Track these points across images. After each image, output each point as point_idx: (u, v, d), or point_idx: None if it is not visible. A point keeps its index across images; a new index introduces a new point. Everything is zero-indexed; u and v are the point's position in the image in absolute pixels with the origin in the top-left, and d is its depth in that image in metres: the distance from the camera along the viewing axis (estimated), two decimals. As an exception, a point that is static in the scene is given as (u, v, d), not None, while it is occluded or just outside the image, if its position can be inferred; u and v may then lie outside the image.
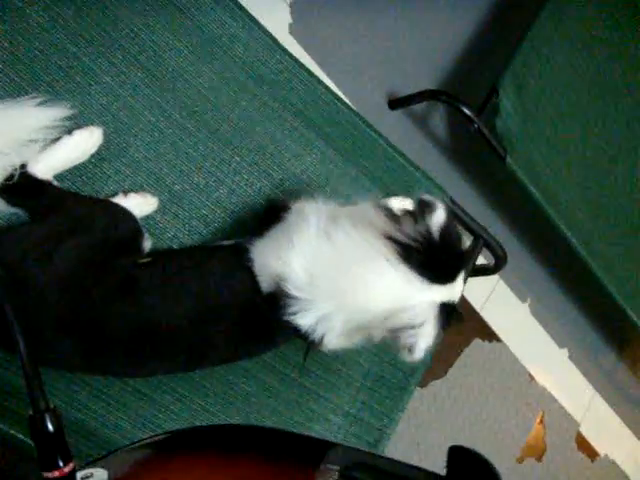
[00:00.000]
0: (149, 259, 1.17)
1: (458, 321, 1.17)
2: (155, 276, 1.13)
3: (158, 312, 1.10)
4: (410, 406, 1.62)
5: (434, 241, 1.08)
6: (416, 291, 1.08)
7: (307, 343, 1.16)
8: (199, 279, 1.15)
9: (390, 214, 1.15)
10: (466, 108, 1.93)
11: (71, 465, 0.49)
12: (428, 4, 2.34)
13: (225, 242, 1.26)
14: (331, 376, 1.45)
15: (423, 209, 1.11)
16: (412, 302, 1.08)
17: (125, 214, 1.19)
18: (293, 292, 1.09)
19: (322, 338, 1.12)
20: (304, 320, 1.10)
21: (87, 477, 0.52)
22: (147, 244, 1.23)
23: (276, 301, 1.11)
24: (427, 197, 1.14)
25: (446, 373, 2.28)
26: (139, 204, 1.26)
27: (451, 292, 1.12)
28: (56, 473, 0.49)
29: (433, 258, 1.08)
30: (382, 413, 1.52)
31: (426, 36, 2.32)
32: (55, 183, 1.16)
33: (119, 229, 1.16)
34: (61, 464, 0.49)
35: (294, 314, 1.10)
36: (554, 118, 2.22)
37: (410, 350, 1.11)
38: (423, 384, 1.73)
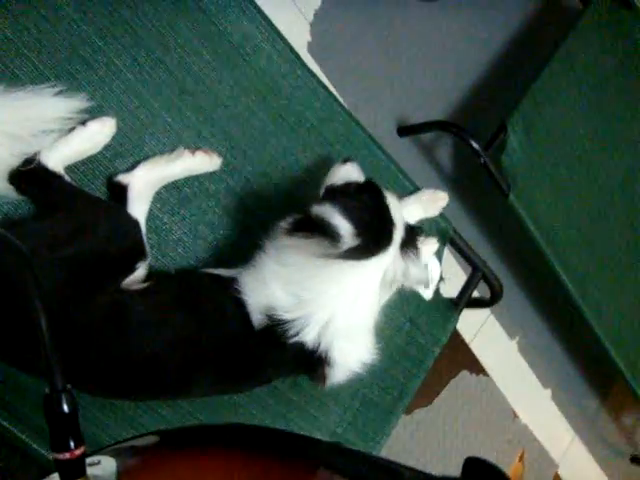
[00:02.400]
0: (144, 285, 1.16)
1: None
2: (147, 308, 1.10)
3: (143, 347, 1.08)
4: (393, 432, 1.61)
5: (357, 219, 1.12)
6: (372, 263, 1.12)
7: (309, 369, 1.18)
8: (193, 316, 1.13)
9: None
10: (474, 142, 1.95)
11: (82, 449, 0.49)
12: (445, 36, 2.37)
13: (224, 272, 1.23)
14: (321, 394, 1.44)
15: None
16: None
17: (130, 227, 1.16)
18: (287, 316, 1.10)
19: (328, 352, 1.14)
20: (308, 336, 1.11)
21: (95, 463, 0.52)
22: (142, 265, 1.18)
23: (271, 333, 1.11)
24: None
25: (431, 402, 2.28)
26: (204, 162, 1.28)
27: (399, 224, 1.18)
28: (67, 455, 0.48)
29: (363, 236, 1.11)
30: (368, 436, 1.51)
31: (440, 67, 2.35)
32: (66, 177, 1.15)
33: (119, 243, 1.13)
34: (72, 446, 0.48)
35: (296, 335, 1.11)
36: (558, 160, 2.25)
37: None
38: (408, 411, 1.73)
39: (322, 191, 1.29)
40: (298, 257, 1.13)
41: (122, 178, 1.20)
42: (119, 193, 1.20)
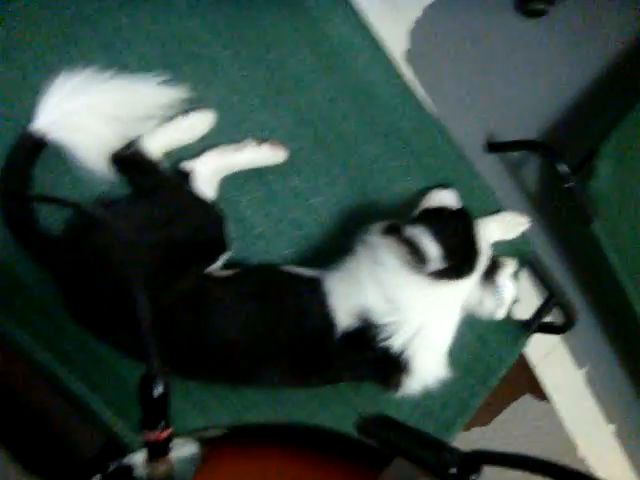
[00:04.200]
0: (229, 273, 1.20)
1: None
2: (226, 296, 1.15)
3: (219, 332, 1.13)
4: (449, 447, 1.60)
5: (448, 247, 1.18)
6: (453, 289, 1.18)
7: (386, 374, 1.21)
8: (272, 308, 1.17)
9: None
10: (562, 165, 1.91)
11: (169, 431, 0.51)
12: (544, 53, 2.33)
13: (304, 271, 1.26)
14: (382, 401, 1.45)
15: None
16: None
17: (217, 221, 1.21)
18: (381, 320, 1.14)
19: (410, 361, 1.17)
20: (397, 342, 1.15)
21: (179, 446, 0.55)
22: (225, 257, 1.23)
23: (361, 335, 1.15)
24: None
25: (490, 422, 2.25)
26: (270, 155, 1.31)
27: (484, 254, 1.24)
28: (154, 436, 0.50)
29: (455, 260, 1.18)
30: (424, 448, 1.51)
31: (536, 84, 2.31)
32: (164, 164, 1.20)
33: (206, 234, 1.19)
34: (161, 428, 0.51)
35: (387, 339, 1.14)
36: (649, 193, 2.18)
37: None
38: (466, 428, 1.71)
39: (417, 212, 1.36)
40: (393, 259, 1.16)
41: (187, 164, 1.23)
42: (185, 179, 1.22)
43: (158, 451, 0.51)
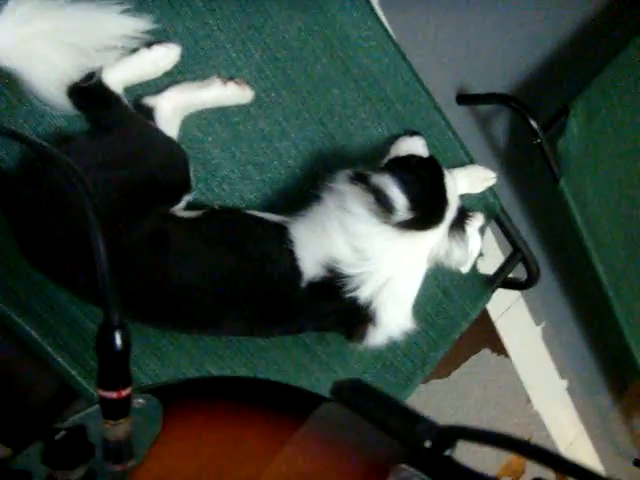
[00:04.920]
0: (192, 214, 1.15)
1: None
2: (188, 239, 1.11)
3: (178, 276, 1.09)
4: (408, 399, 1.61)
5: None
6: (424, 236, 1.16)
7: (351, 325, 1.19)
8: (235, 254, 1.13)
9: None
10: (533, 121, 1.90)
11: (129, 390, 0.47)
12: (521, 8, 2.29)
13: (270, 216, 1.22)
14: (344, 351, 1.44)
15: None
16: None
17: (181, 160, 1.15)
18: (350, 271, 1.11)
19: (377, 312, 1.15)
20: (364, 292, 1.12)
21: (140, 403, 0.51)
22: (188, 198, 1.18)
23: (327, 285, 1.12)
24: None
25: (449, 374, 2.28)
26: (235, 93, 1.24)
27: (452, 205, 1.20)
28: (114, 394, 0.46)
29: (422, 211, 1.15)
30: (384, 399, 1.51)
31: (509, 39, 2.28)
32: (124, 99, 1.14)
33: (170, 174, 1.13)
34: (120, 386, 0.46)
35: (354, 290, 1.11)
36: (616, 153, 2.18)
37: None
38: (425, 380, 1.73)
39: (385, 160, 1.32)
40: (361, 208, 1.12)
41: (149, 100, 1.17)
42: (146, 116, 1.16)
43: (117, 411, 0.47)
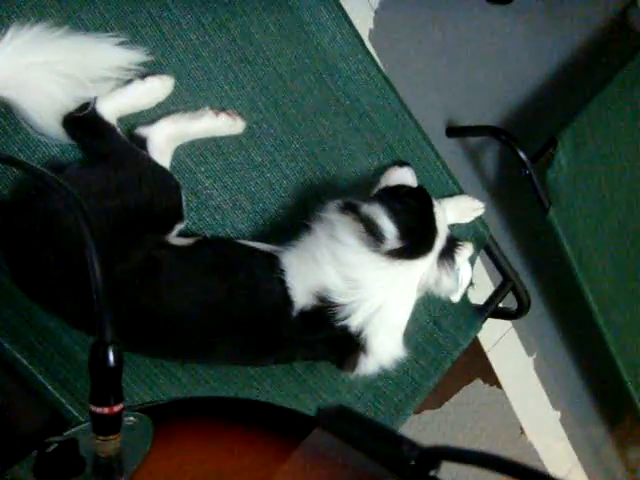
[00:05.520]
0: (184, 242, 1.16)
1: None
2: (180, 268, 1.11)
3: (173, 305, 1.09)
4: (399, 429, 1.60)
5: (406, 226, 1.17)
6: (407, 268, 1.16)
7: (342, 354, 1.21)
8: (226, 283, 1.13)
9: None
10: (522, 152, 1.93)
11: (121, 406, 0.48)
12: (508, 41, 2.34)
13: (261, 245, 1.23)
14: (335, 380, 1.44)
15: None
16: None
17: (174, 190, 1.15)
18: (341, 300, 1.12)
19: (368, 341, 1.16)
20: (355, 321, 1.13)
21: (132, 421, 0.51)
22: (180, 227, 1.19)
23: (318, 314, 1.12)
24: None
25: (441, 406, 2.26)
26: (228, 125, 1.26)
27: (441, 234, 1.22)
28: (105, 410, 0.47)
29: (412, 240, 1.16)
30: (375, 428, 1.50)
31: (498, 72, 2.32)
32: (118, 129, 1.15)
33: (163, 203, 1.13)
34: (112, 402, 0.47)
35: (345, 319, 1.12)
36: (603, 184, 2.21)
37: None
38: (417, 411, 1.72)
39: (375, 190, 1.34)
40: (351, 237, 1.14)
41: (142, 130, 1.18)
42: (139, 146, 1.17)
43: (108, 427, 0.47)
